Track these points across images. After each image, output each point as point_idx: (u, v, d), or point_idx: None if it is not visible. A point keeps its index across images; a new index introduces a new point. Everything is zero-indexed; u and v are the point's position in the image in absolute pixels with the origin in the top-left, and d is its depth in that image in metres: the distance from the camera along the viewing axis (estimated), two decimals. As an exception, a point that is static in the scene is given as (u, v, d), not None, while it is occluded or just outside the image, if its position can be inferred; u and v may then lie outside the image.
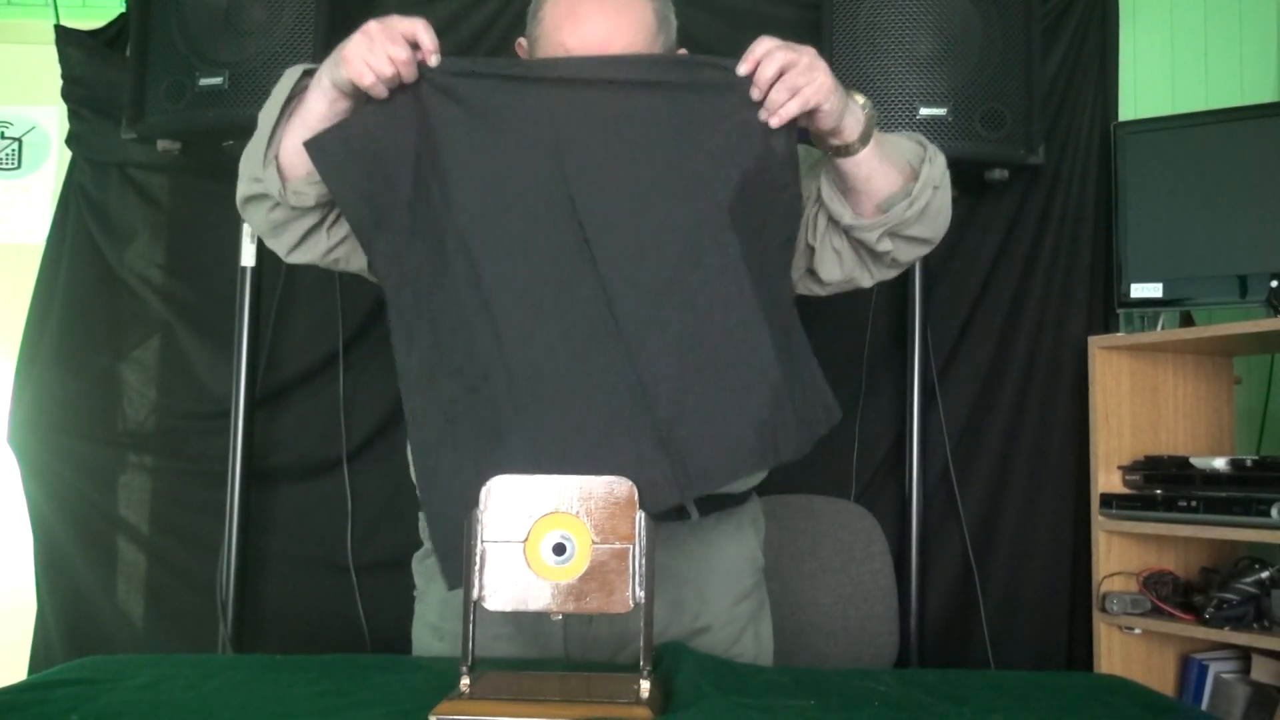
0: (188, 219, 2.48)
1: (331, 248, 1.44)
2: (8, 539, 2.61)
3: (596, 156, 1.31)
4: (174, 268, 2.47)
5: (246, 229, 2.22)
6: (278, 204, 1.38)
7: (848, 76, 2.03)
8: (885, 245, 1.40)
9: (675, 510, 1.33)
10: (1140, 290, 2.31)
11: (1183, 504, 2.15)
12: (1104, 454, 2.31)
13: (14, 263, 2.69)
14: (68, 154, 2.50)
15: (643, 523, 1.04)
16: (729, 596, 1.48)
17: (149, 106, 2.15)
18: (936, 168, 1.39)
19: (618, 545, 1.04)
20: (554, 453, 1.24)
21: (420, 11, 2.43)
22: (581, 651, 1.42)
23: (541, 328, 1.28)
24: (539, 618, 1.26)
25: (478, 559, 1.04)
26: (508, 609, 1.04)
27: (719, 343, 1.28)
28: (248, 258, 2.24)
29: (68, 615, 2.38)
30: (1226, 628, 2.07)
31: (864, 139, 1.33)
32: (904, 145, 1.41)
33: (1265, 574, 2.09)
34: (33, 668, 2.38)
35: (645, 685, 1.02)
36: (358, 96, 1.30)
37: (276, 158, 1.36)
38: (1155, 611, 2.21)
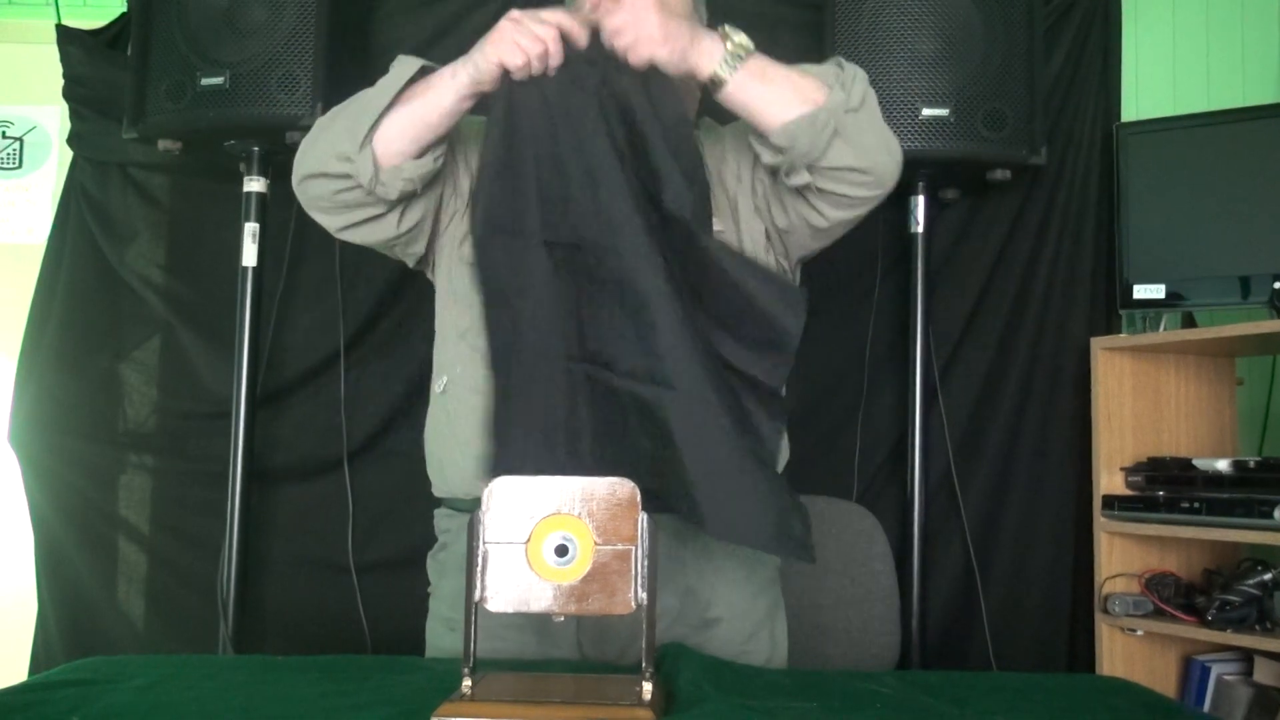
0: (189, 219, 2.47)
1: (398, 235, 1.46)
2: (8, 539, 2.61)
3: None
4: (175, 268, 2.46)
5: (248, 229, 2.22)
6: (356, 186, 1.38)
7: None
8: (801, 178, 1.35)
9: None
10: (1142, 291, 2.31)
11: (1185, 505, 2.14)
12: (1106, 455, 2.31)
13: (14, 263, 2.69)
14: (69, 154, 2.50)
15: (645, 524, 1.04)
16: (742, 589, 1.47)
17: (150, 106, 2.15)
18: (852, 92, 1.32)
19: (620, 546, 1.04)
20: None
21: (421, 12, 2.47)
22: (594, 641, 1.42)
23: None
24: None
25: (480, 560, 1.04)
26: (510, 610, 1.03)
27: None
28: (249, 258, 2.23)
29: (68, 615, 2.38)
30: (1229, 629, 2.07)
31: (729, 67, 1.31)
32: (814, 71, 1.36)
33: (1268, 575, 2.09)
34: (33, 668, 2.37)
35: (647, 687, 1.02)
36: (483, 98, 1.37)
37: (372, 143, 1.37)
38: (1157, 613, 2.20)
